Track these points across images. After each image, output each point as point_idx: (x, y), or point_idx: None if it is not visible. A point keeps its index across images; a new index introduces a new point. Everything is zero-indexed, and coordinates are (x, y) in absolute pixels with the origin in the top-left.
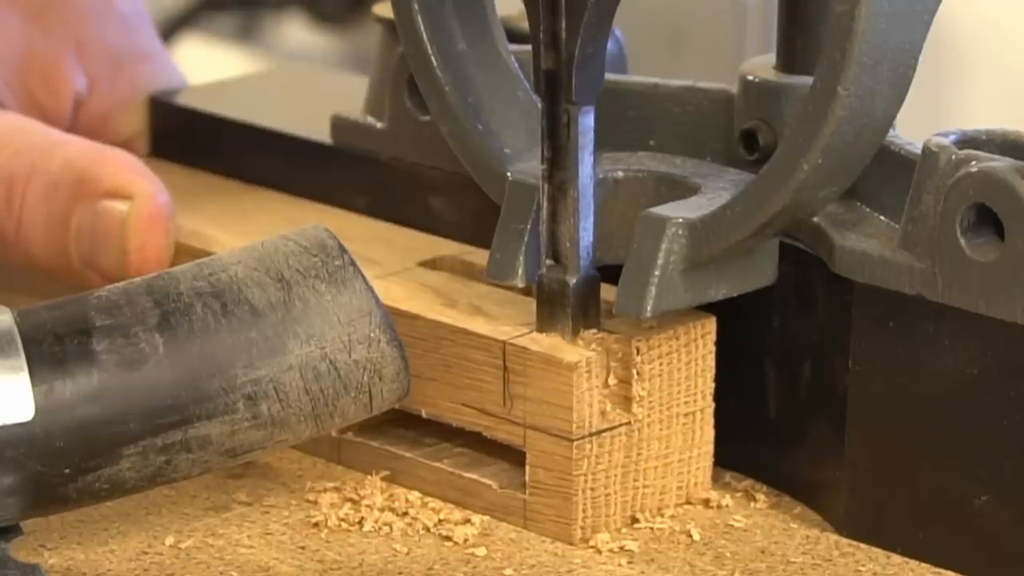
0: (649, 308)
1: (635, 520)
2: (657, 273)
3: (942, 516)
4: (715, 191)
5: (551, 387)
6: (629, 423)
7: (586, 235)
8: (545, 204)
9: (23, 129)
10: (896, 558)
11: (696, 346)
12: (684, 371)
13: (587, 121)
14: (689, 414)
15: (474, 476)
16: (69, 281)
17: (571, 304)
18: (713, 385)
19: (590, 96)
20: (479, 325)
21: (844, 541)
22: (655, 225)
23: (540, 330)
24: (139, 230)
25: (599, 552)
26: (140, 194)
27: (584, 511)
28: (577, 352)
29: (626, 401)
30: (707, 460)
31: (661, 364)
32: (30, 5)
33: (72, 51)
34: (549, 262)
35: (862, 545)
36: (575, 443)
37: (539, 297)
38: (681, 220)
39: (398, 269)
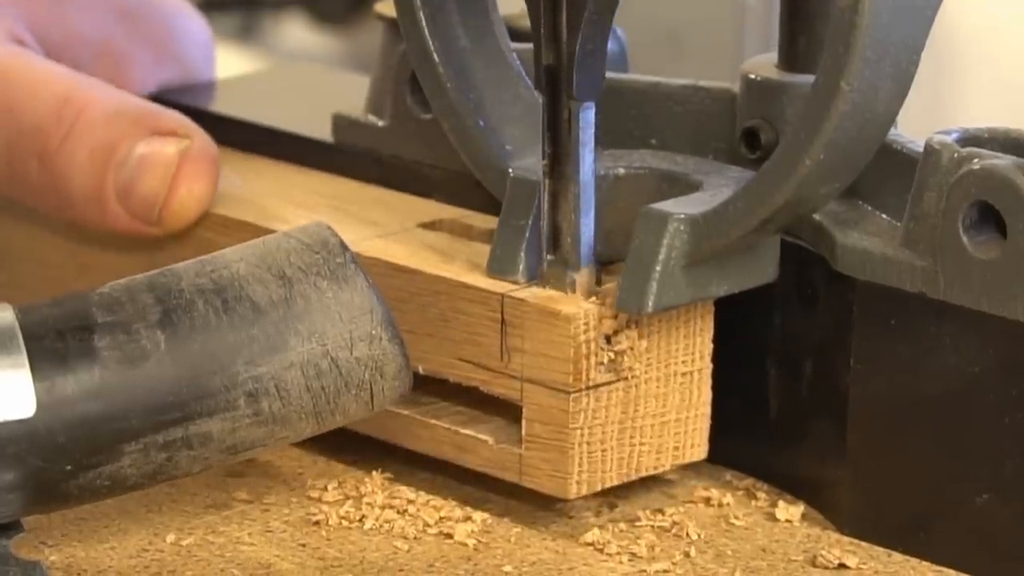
0: (650, 304)
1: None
2: (658, 269)
3: (943, 514)
4: (716, 188)
5: (549, 339)
6: (627, 378)
7: (587, 230)
8: (546, 199)
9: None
10: (897, 556)
11: (695, 304)
12: (683, 329)
13: (588, 117)
14: (687, 373)
15: (470, 432)
16: (85, 214)
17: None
18: (711, 346)
19: (591, 92)
20: (477, 279)
21: (845, 539)
22: (657, 221)
23: None
24: (194, 166)
25: (600, 550)
26: (200, 136)
27: (580, 465)
28: (576, 304)
29: (624, 355)
30: (704, 422)
31: (659, 320)
32: (121, 3)
33: (147, 55)
34: (550, 257)
35: (863, 543)
36: (572, 396)
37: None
38: (683, 216)
39: (397, 230)
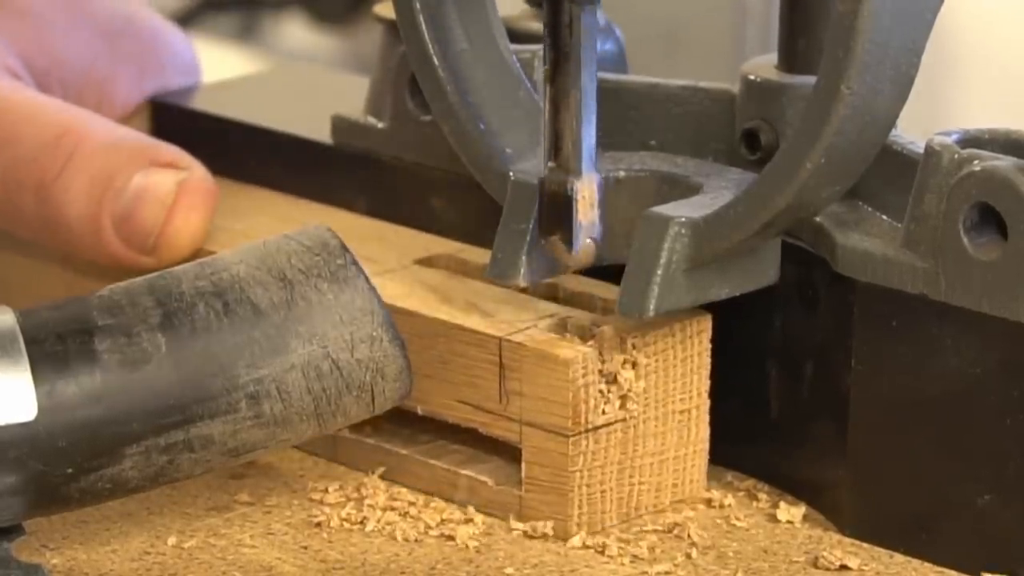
0: (652, 307)
1: (637, 519)
2: (660, 272)
3: (945, 515)
4: (717, 190)
5: (547, 383)
6: (625, 419)
7: (588, 136)
8: (547, 106)
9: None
10: (899, 557)
11: (692, 343)
12: (680, 368)
13: (589, 20)
14: (684, 411)
15: (470, 473)
16: (82, 243)
17: (574, 206)
18: (708, 383)
19: None
20: (475, 322)
21: (847, 540)
22: (658, 224)
23: (543, 234)
24: (191, 197)
25: (601, 552)
26: (198, 169)
27: (580, 507)
28: (573, 348)
29: (622, 397)
30: (702, 458)
31: (656, 360)
32: (104, 25)
33: (133, 73)
34: (551, 164)
35: (865, 544)
36: (571, 439)
37: (541, 200)
38: (684, 219)
39: (395, 267)
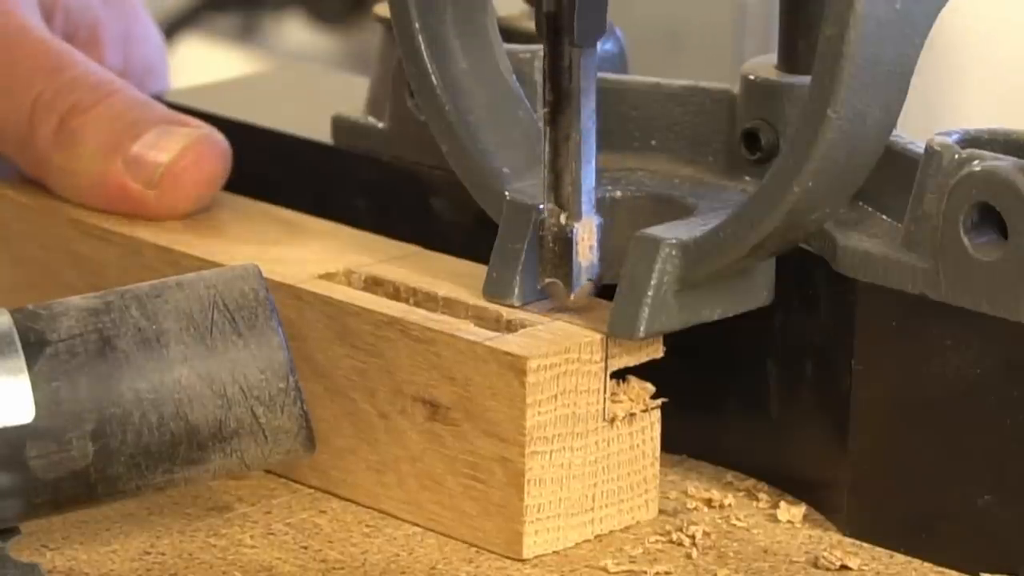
0: (642, 329)
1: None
2: (650, 294)
3: (945, 516)
4: (710, 211)
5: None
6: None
7: (588, 179)
8: (547, 149)
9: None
10: (899, 557)
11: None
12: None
13: (589, 64)
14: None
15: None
16: (90, 169)
17: (574, 248)
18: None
19: (592, 38)
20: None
21: (847, 540)
22: (648, 246)
23: (540, 276)
24: (204, 146)
25: (601, 552)
26: (218, 133)
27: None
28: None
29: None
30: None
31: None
32: None
33: (120, 39)
34: (551, 206)
35: (865, 544)
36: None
37: (542, 243)
38: (674, 241)
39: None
